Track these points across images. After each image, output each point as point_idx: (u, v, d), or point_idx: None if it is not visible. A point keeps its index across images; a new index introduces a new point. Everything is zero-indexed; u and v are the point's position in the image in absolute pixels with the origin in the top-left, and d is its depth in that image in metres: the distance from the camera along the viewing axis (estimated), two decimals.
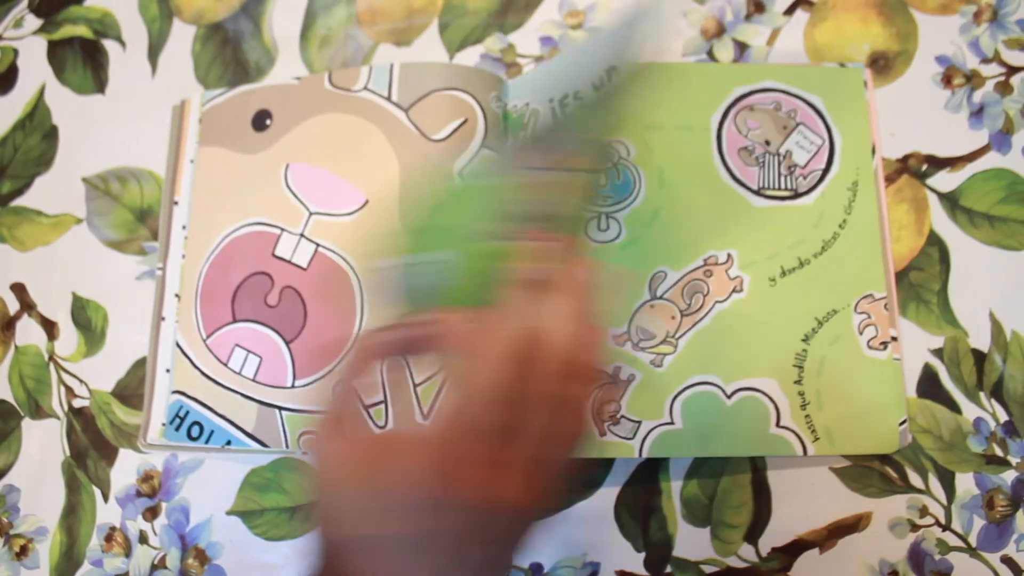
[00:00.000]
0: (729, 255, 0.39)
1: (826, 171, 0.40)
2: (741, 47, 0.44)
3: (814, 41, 0.43)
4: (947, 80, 0.42)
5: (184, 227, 0.44)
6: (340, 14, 0.47)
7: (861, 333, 0.38)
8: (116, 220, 0.46)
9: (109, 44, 0.49)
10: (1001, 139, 0.41)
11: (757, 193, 0.40)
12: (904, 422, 0.38)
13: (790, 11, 0.44)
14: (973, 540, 0.38)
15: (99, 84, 0.49)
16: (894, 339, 0.39)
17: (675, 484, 0.40)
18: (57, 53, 0.49)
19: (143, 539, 0.42)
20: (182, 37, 0.48)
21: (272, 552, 0.41)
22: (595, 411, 0.37)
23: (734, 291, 0.39)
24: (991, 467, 0.38)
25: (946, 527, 0.38)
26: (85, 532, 0.43)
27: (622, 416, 0.37)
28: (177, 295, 0.43)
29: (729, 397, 0.37)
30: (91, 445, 0.44)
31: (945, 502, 0.38)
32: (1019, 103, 0.41)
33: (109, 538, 0.42)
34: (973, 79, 0.42)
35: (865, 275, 0.39)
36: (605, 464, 0.40)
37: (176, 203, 0.44)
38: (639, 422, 0.37)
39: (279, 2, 0.48)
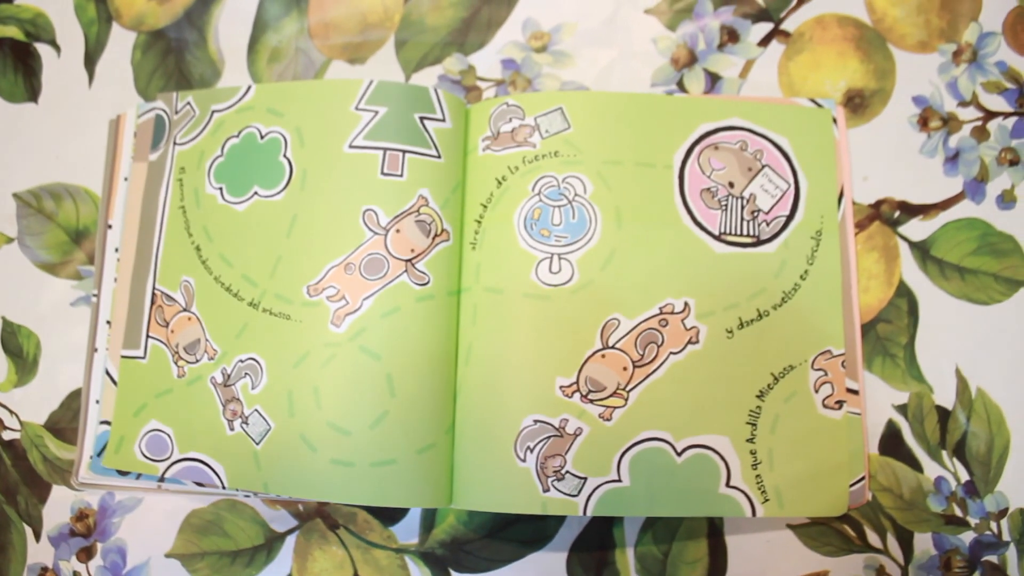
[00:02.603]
0: (686, 304, 0.42)
1: (790, 218, 0.43)
2: (713, 78, 0.47)
3: (789, 75, 0.46)
4: (923, 122, 0.45)
5: (117, 250, 0.47)
6: (291, 26, 0.50)
7: (817, 391, 0.42)
8: (50, 241, 0.49)
9: (42, 48, 0.51)
10: (975, 187, 0.44)
11: (718, 239, 0.43)
12: (857, 482, 0.41)
13: (765, 42, 0.47)
14: None
15: (31, 92, 0.51)
16: (855, 392, 0.42)
17: (629, 538, 0.44)
18: None
19: None
20: (121, 44, 0.51)
21: None
22: (539, 466, 0.40)
23: (690, 342, 0.42)
24: (950, 527, 0.42)
25: None
26: (15, 572, 0.46)
27: (567, 472, 0.40)
28: (108, 321, 0.46)
29: (679, 455, 0.41)
30: (22, 480, 0.47)
31: (902, 562, 0.42)
32: (995, 150, 0.44)
33: None
34: (950, 122, 0.45)
35: (824, 330, 0.42)
36: (557, 516, 0.44)
37: (110, 226, 0.47)
38: (584, 479, 0.40)
39: (226, 10, 0.50)
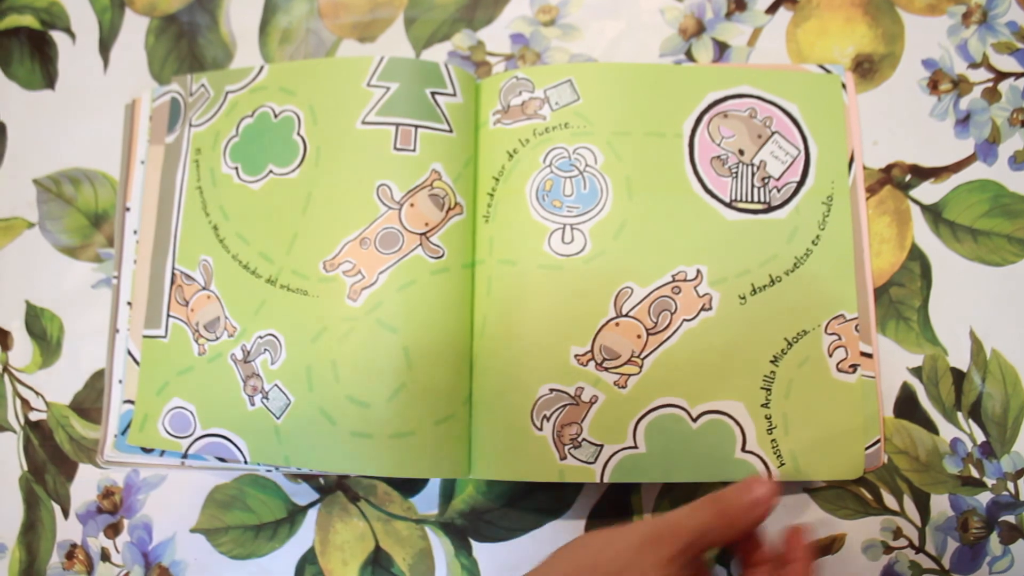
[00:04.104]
0: (699, 271, 0.42)
1: (801, 183, 0.43)
2: (721, 47, 0.47)
3: (797, 42, 0.46)
4: (933, 85, 0.45)
5: (135, 232, 0.47)
6: (301, 7, 0.50)
7: (831, 355, 0.42)
8: (70, 225, 0.50)
9: (58, 36, 0.52)
10: (987, 149, 0.44)
11: (729, 206, 0.43)
12: (872, 445, 0.41)
13: (772, 9, 0.47)
14: (946, 562, 0.42)
15: (48, 79, 0.52)
16: (868, 356, 0.42)
17: (646, 504, 0.44)
18: (2, 45, 0.52)
19: (105, 557, 0.46)
20: (135, 29, 0.51)
21: (238, 571, 0.45)
22: (556, 434, 0.41)
23: (703, 309, 0.42)
24: (966, 489, 0.42)
25: (919, 549, 0.42)
26: (45, 549, 0.47)
27: (583, 439, 0.41)
28: (129, 303, 0.47)
29: (695, 420, 0.41)
30: (49, 460, 0.48)
31: (919, 524, 0.42)
32: (1007, 111, 0.44)
33: (70, 555, 0.47)
34: (960, 85, 0.45)
35: (837, 294, 0.42)
36: (575, 484, 0.44)
37: (128, 209, 0.48)
38: (601, 446, 0.41)
39: None
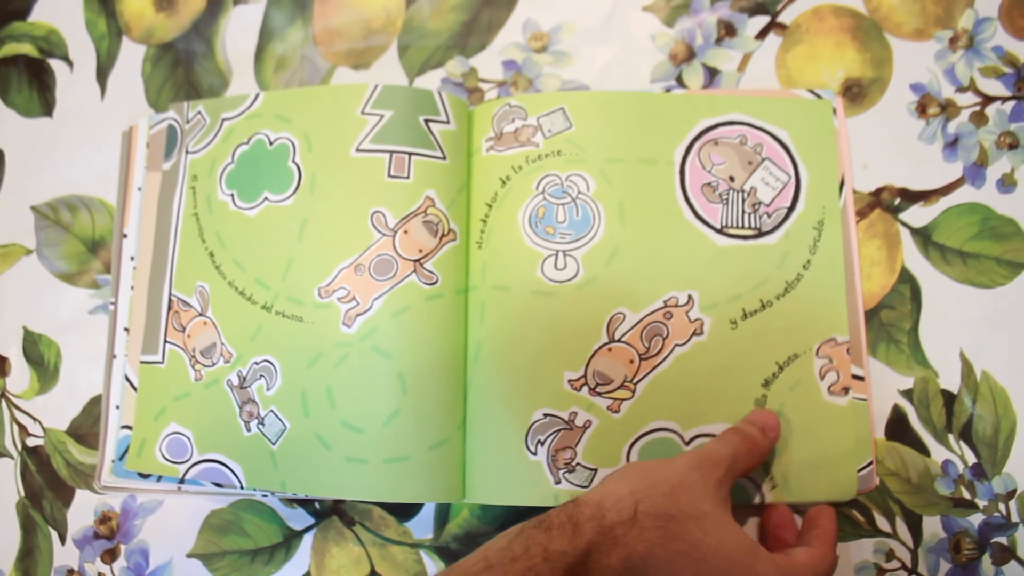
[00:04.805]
0: (690, 296, 0.43)
1: (791, 209, 0.44)
2: (711, 73, 0.47)
3: (786, 67, 0.47)
4: (922, 109, 0.45)
5: (132, 258, 0.48)
6: (296, 34, 0.51)
7: (822, 379, 0.42)
8: (67, 251, 0.50)
9: (56, 64, 0.53)
10: (975, 172, 0.44)
11: (720, 232, 0.43)
12: (864, 467, 0.42)
13: (762, 35, 0.47)
14: None
15: (46, 107, 0.52)
16: (860, 379, 0.42)
17: None
18: (1, 73, 0.53)
19: None
20: (132, 57, 0.52)
21: None
22: (550, 458, 0.41)
23: (694, 334, 0.42)
24: (958, 510, 0.42)
25: (912, 571, 0.42)
26: (42, 575, 0.47)
27: (578, 464, 0.41)
28: (126, 328, 0.47)
29: (687, 444, 0.41)
30: (46, 485, 0.48)
31: (912, 546, 0.42)
32: (994, 134, 0.44)
33: None
34: (948, 109, 0.45)
35: (828, 318, 0.42)
36: None
37: (125, 235, 0.48)
38: (595, 470, 0.41)
39: (232, 21, 0.51)
